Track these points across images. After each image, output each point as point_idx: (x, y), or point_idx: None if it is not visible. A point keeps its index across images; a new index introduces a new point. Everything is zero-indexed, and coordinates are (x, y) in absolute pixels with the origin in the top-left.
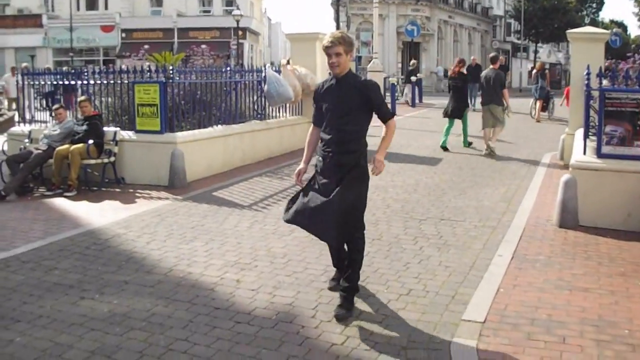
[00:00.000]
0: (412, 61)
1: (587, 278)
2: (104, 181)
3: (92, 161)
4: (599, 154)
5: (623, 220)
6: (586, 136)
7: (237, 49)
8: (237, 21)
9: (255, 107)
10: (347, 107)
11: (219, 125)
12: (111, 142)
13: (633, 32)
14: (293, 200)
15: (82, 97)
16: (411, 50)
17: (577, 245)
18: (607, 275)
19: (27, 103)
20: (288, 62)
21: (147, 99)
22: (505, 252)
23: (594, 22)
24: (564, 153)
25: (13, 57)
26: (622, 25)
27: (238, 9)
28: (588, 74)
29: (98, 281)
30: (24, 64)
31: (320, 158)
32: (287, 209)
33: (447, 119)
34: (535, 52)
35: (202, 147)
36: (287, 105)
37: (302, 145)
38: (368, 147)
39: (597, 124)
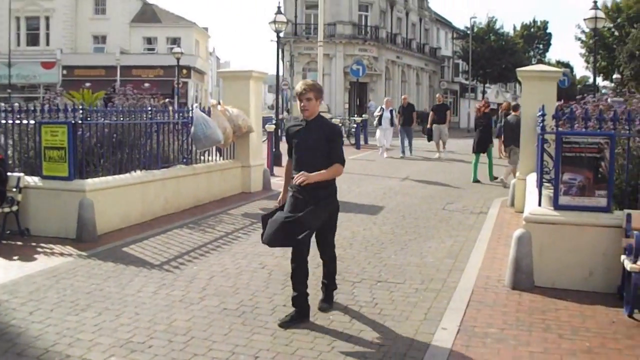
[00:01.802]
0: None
1: (548, 357)
2: (4, 233)
3: None
4: (556, 206)
5: (584, 279)
6: (541, 184)
7: (178, 87)
8: (178, 59)
9: (181, 150)
10: (314, 146)
11: (138, 171)
12: (14, 189)
13: (579, 73)
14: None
15: None
16: (358, 90)
17: (533, 313)
18: (570, 353)
19: None
20: (219, 103)
21: (54, 142)
22: (451, 324)
23: (541, 63)
24: (515, 199)
25: None
26: (568, 66)
27: (178, 46)
28: (543, 115)
29: None
30: None
31: (293, 191)
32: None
33: (472, 155)
34: (483, 92)
35: (117, 195)
36: (217, 148)
37: (233, 192)
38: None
39: (551, 169)
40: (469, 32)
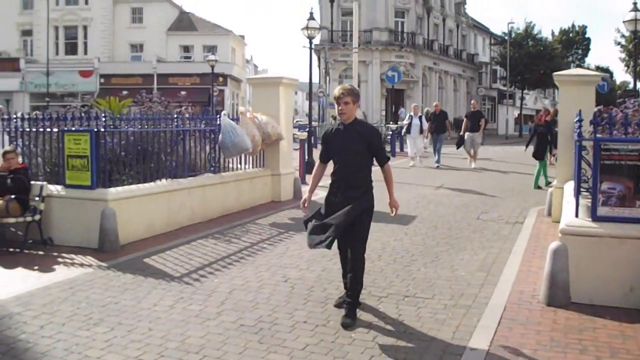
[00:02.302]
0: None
1: None
2: (27, 242)
3: (12, 220)
4: (595, 217)
5: (624, 295)
6: (578, 194)
7: (211, 95)
8: (212, 66)
9: (209, 158)
10: (352, 150)
11: (163, 180)
12: (36, 199)
13: (619, 78)
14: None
15: (8, 148)
16: (395, 97)
17: (569, 331)
18: None
19: None
20: (248, 110)
21: (77, 150)
22: (480, 344)
23: (580, 68)
24: (552, 208)
25: None
26: (607, 71)
27: (213, 54)
28: (580, 120)
29: None
30: None
31: (331, 194)
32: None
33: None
34: (522, 98)
35: (141, 204)
36: (247, 156)
37: (262, 200)
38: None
39: (589, 177)
40: (506, 37)
